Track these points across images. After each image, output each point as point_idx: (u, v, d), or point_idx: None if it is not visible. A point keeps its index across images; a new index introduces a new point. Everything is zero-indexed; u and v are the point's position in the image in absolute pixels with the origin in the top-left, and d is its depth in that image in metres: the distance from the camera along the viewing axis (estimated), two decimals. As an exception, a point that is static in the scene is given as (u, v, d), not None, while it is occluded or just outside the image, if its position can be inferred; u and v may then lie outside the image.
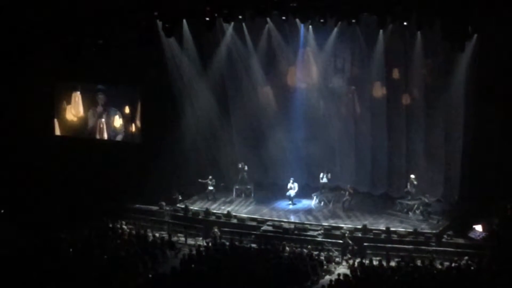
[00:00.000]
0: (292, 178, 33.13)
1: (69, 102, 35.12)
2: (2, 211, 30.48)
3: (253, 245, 28.65)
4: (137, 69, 32.94)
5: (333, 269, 26.77)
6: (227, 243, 28.13)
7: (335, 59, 33.81)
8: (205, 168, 34.48)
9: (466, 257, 26.51)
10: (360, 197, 33.56)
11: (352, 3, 27.59)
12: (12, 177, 32.74)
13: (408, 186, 31.79)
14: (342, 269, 26.38)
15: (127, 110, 34.52)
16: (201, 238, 29.81)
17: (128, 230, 29.99)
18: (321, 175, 33.16)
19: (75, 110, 35.11)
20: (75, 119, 35.21)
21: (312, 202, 33.23)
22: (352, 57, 33.44)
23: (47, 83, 34.34)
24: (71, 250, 26.20)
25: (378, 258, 26.77)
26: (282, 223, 30.55)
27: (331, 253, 27.95)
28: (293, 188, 32.99)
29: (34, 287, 23.25)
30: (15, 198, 31.48)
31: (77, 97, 34.98)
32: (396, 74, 32.79)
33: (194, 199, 33.95)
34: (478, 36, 29.03)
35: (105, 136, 34.97)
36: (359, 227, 29.39)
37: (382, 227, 29.48)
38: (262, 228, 30.37)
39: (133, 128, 34.51)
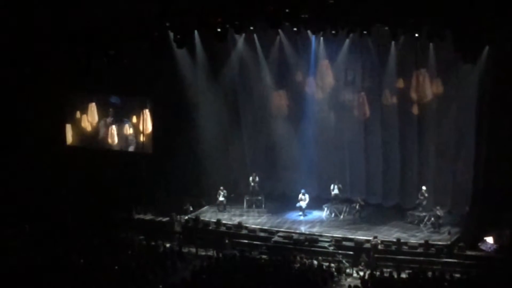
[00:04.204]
0: (303, 190, 33.08)
1: (84, 112, 35.21)
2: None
3: (264, 256, 28.64)
4: (149, 80, 33.05)
5: (343, 281, 26.71)
6: (238, 254, 28.10)
7: (346, 70, 33.78)
8: (216, 179, 34.47)
9: (477, 269, 26.40)
10: (371, 209, 33.49)
11: (364, 15, 27.60)
12: (22, 187, 32.76)
13: (420, 198, 31.72)
14: (353, 281, 26.28)
15: (138, 120, 34.57)
16: (211, 249, 29.77)
17: (138, 241, 29.99)
18: (332, 186, 33.14)
19: (91, 118, 35.23)
20: (89, 128, 35.29)
21: (323, 214, 33.17)
22: (363, 69, 33.39)
23: (60, 94, 34.39)
24: (81, 260, 26.20)
25: (389, 270, 26.67)
26: (293, 234, 30.51)
27: (342, 265, 27.90)
28: (304, 199, 32.95)
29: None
30: (24, 208, 31.52)
31: (92, 107, 35.12)
32: (407, 85, 32.69)
33: (204, 209, 33.94)
34: (490, 47, 28.99)
35: (115, 142, 35.01)
36: (370, 238, 29.33)
37: (393, 239, 29.43)
38: (273, 239, 30.34)
39: (144, 138, 34.54)
